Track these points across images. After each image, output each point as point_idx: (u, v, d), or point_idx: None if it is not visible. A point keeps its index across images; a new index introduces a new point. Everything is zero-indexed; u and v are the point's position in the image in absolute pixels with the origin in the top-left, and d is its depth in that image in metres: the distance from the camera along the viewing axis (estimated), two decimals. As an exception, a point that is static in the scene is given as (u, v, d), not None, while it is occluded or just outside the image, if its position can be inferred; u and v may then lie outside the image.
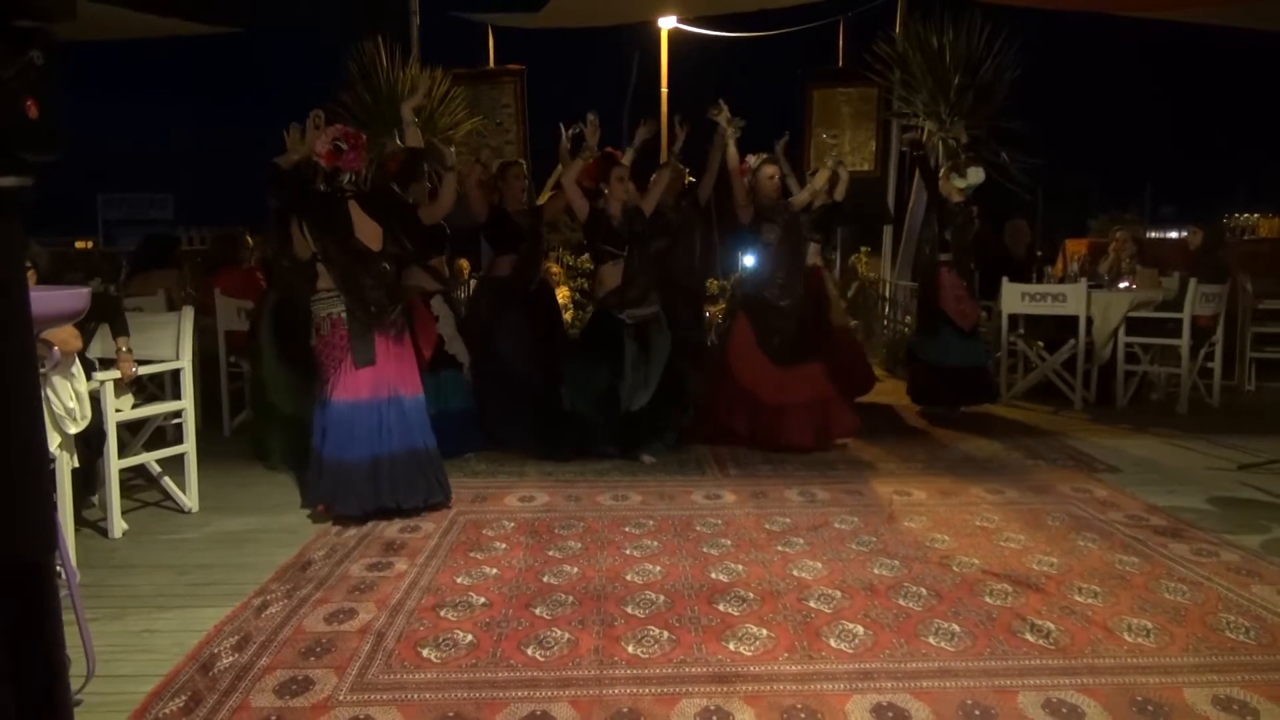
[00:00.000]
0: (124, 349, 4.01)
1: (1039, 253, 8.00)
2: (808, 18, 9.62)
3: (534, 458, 5.26)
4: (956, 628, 2.96)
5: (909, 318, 8.48)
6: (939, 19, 8.47)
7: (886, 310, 9.36)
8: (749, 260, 5.82)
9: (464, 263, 8.61)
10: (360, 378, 4.18)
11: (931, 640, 2.88)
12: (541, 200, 6.13)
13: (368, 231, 4.25)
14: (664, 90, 9.73)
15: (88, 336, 4.01)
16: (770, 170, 5.51)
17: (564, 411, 5.28)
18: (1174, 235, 15.08)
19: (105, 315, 4.07)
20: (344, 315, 4.21)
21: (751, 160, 5.56)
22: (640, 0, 9.00)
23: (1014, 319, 7.16)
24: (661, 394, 5.29)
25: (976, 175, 6.30)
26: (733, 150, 5.45)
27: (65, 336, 3.38)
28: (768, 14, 9.46)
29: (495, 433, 5.51)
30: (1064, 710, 2.45)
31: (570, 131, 5.51)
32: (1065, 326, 6.86)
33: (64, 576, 2.58)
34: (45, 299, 2.34)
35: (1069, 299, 6.81)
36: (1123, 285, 7.15)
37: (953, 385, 6.42)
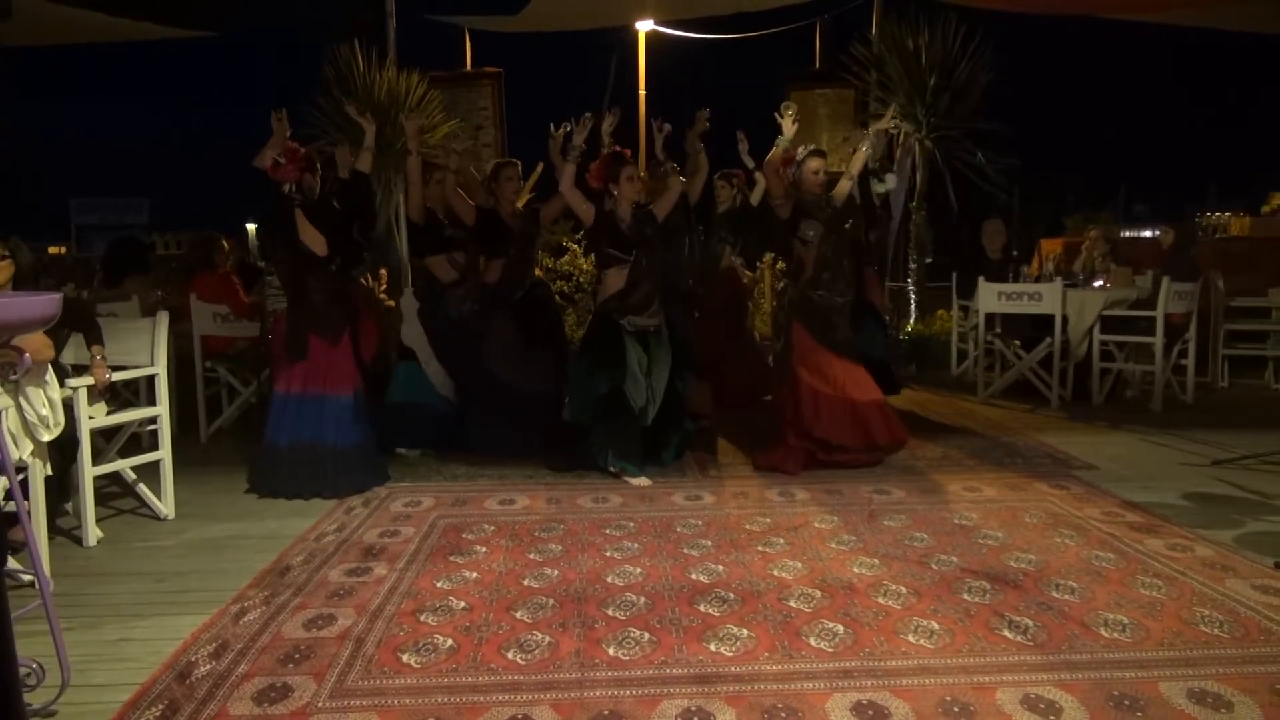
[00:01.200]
0: (98, 356, 3.96)
1: (1015, 252, 8.07)
2: (785, 20, 9.66)
3: (514, 462, 5.18)
4: (936, 625, 2.98)
5: (888, 317, 8.53)
6: (914, 21, 8.53)
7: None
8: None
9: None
10: (293, 372, 4.70)
11: (911, 638, 2.89)
12: (520, 203, 6.06)
13: (312, 236, 4.66)
14: (641, 92, 9.75)
15: (60, 342, 3.97)
16: (816, 164, 5.12)
17: (565, 424, 5.01)
18: (1147, 234, 15.24)
19: (78, 322, 4.02)
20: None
21: (800, 151, 5.18)
22: (618, 4, 9.02)
23: (990, 318, 7.22)
24: (661, 411, 4.97)
25: (892, 181, 6.79)
26: (778, 151, 5.19)
27: (38, 345, 3.34)
28: (745, 16, 9.50)
29: (475, 438, 5.41)
30: (1042, 705, 2.47)
31: (561, 131, 5.22)
32: (1041, 325, 6.92)
33: (38, 585, 2.55)
34: (16, 305, 2.31)
35: (1045, 298, 6.87)
36: (1097, 284, 7.22)
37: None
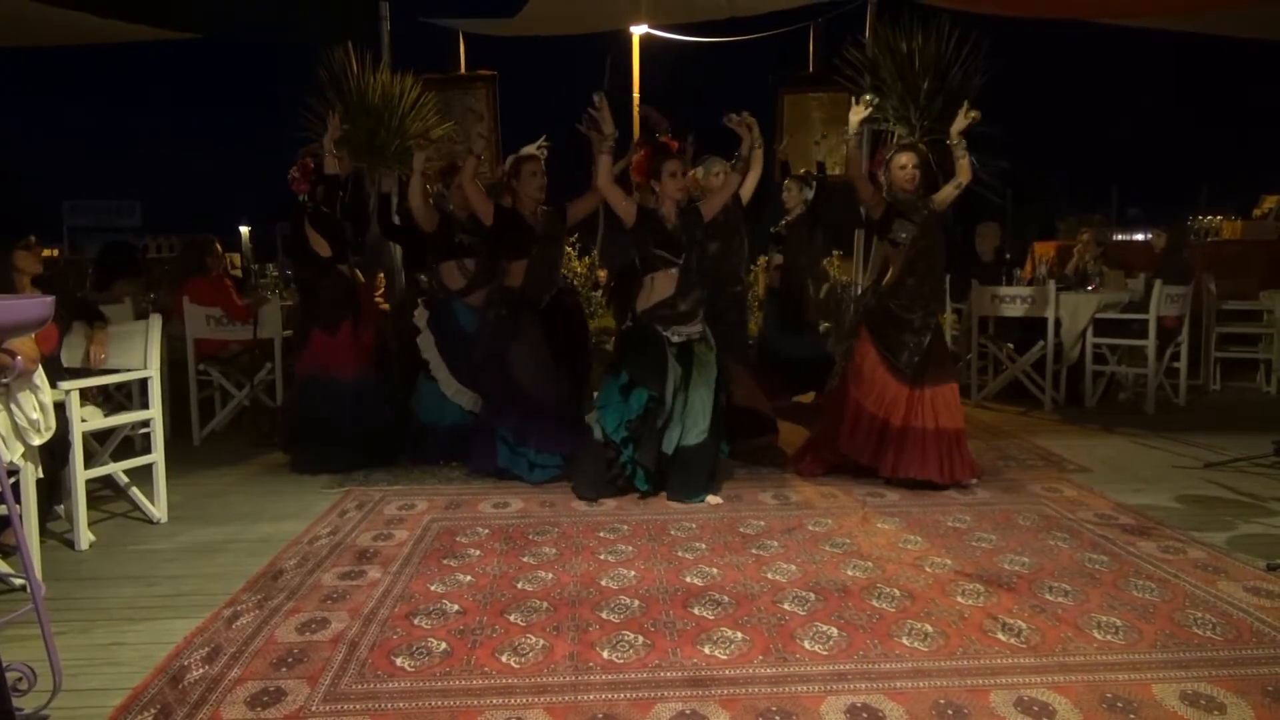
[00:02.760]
0: (100, 333, 4.19)
1: (1008, 255, 8.09)
2: (779, 23, 9.67)
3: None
4: (929, 628, 2.99)
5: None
6: (908, 25, 8.55)
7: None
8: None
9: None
10: (305, 357, 5.24)
11: (905, 640, 2.90)
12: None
13: (316, 240, 5.18)
14: (636, 95, 9.76)
15: (60, 336, 4.02)
16: (905, 159, 4.81)
17: (595, 444, 4.62)
18: (1140, 237, 15.29)
19: (81, 312, 4.17)
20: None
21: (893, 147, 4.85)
22: (613, 9, 9.02)
23: (984, 321, 7.25)
24: (704, 448, 4.57)
25: (811, 189, 6.79)
26: (853, 146, 4.84)
27: (26, 350, 3.34)
28: (739, 20, 9.52)
29: (503, 457, 4.94)
30: (1035, 708, 2.47)
31: (585, 127, 4.77)
32: (1034, 328, 6.95)
33: (29, 589, 2.54)
34: (10, 308, 2.31)
35: (1037, 301, 6.90)
36: (1090, 287, 7.24)
37: (812, 376, 6.58)
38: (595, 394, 5.01)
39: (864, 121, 5.08)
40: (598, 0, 8.89)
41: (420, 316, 5.32)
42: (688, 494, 4.49)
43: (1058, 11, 8.92)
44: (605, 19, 9.34)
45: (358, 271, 5.75)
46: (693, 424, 4.53)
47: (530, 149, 5.07)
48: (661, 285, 4.56)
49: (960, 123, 4.96)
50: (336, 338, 5.19)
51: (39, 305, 2.36)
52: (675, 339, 4.55)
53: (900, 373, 4.70)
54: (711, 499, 4.50)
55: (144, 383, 4.39)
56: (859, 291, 9.29)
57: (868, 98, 4.98)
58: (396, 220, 5.94)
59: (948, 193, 4.81)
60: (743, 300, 5.77)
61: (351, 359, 5.21)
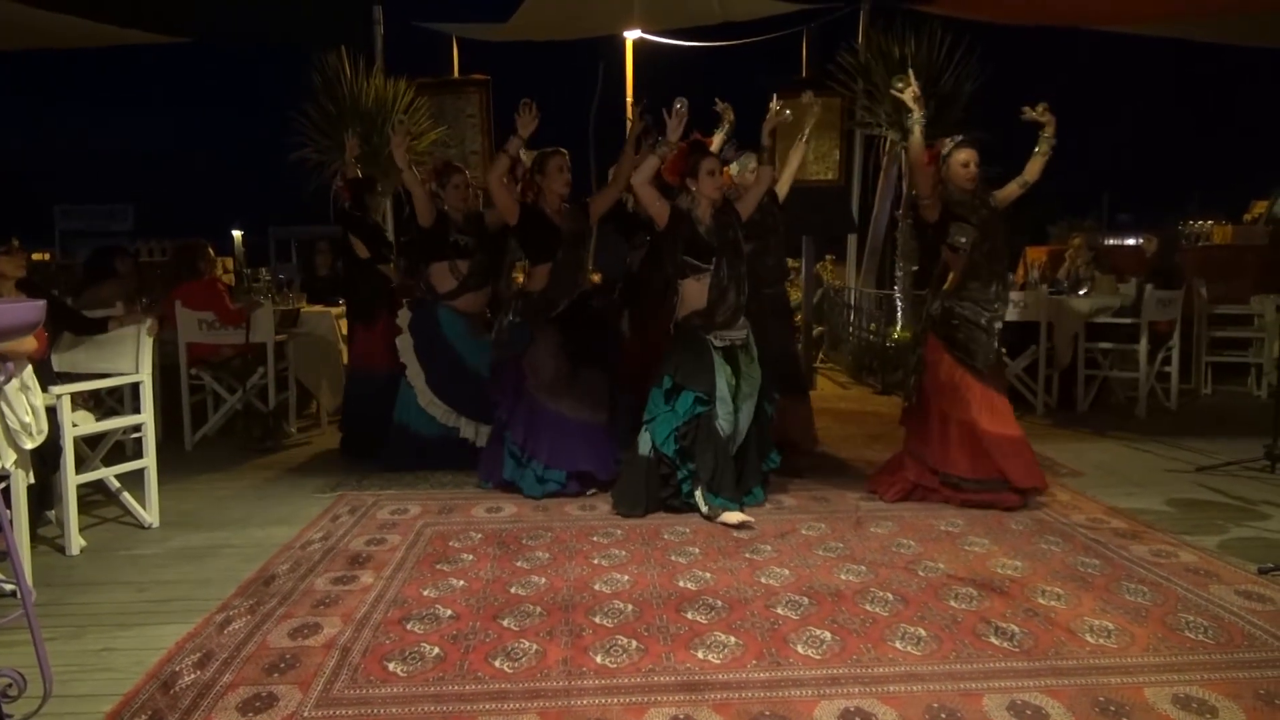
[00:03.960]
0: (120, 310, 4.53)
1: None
2: (771, 28, 9.71)
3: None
4: (923, 632, 2.99)
5: (874, 325, 8.57)
6: (900, 30, 8.59)
7: (852, 317, 9.44)
8: None
9: None
10: (351, 352, 5.94)
11: (898, 645, 2.90)
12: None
13: (356, 243, 5.70)
14: (629, 99, 9.78)
15: (50, 342, 4.02)
16: (965, 156, 4.42)
17: (641, 459, 4.33)
18: (1131, 242, 15.35)
19: (66, 321, 4.15)
20: None
21: (946, 143, 4.51)
22: (606, 15, 9.04)
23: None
24: (750, 439, 4.42)
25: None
26: (918, 136, 4.40)
27: (12, 345, 3.33)
28: (732, 25, 9.54)
29: (529, 484, 4.70)
30: (1028, 712, 2.47)
31: (641, 112, 4.60)
32: (1026, 332, 6.97)
33: (19, 595, 2.53)
34: (2, 312, 2.30)
35: (1030, 305, 6.92)
36: (1081, 292, 7.27)
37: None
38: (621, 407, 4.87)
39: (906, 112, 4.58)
40: (591, 5, 8.91)
41: (403, 317, 5.22)
42: (737, 497, 4.34)
43: (1049, 19, 8.97)
44: (599, 24, 9.36)
45: (394, 270, 5.95)
46: (739, 433, 4.36)
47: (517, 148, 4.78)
48: (692, 294, 4.31)
49: (1044, 120, 4.52)
50: (373, 332, 5.65)
51: (29, 310, 2.36)
52: (718, 343, 4.30)
53: (980, 374, 4.42)
54: (735, 516, 4.17)
55: (135, 387, 4.38)
56: (854, 297, 9.33)
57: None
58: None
59: (1011, 190, 4.51)
60: (783, 304, 5.52)
61: (385, 353, 5.42)
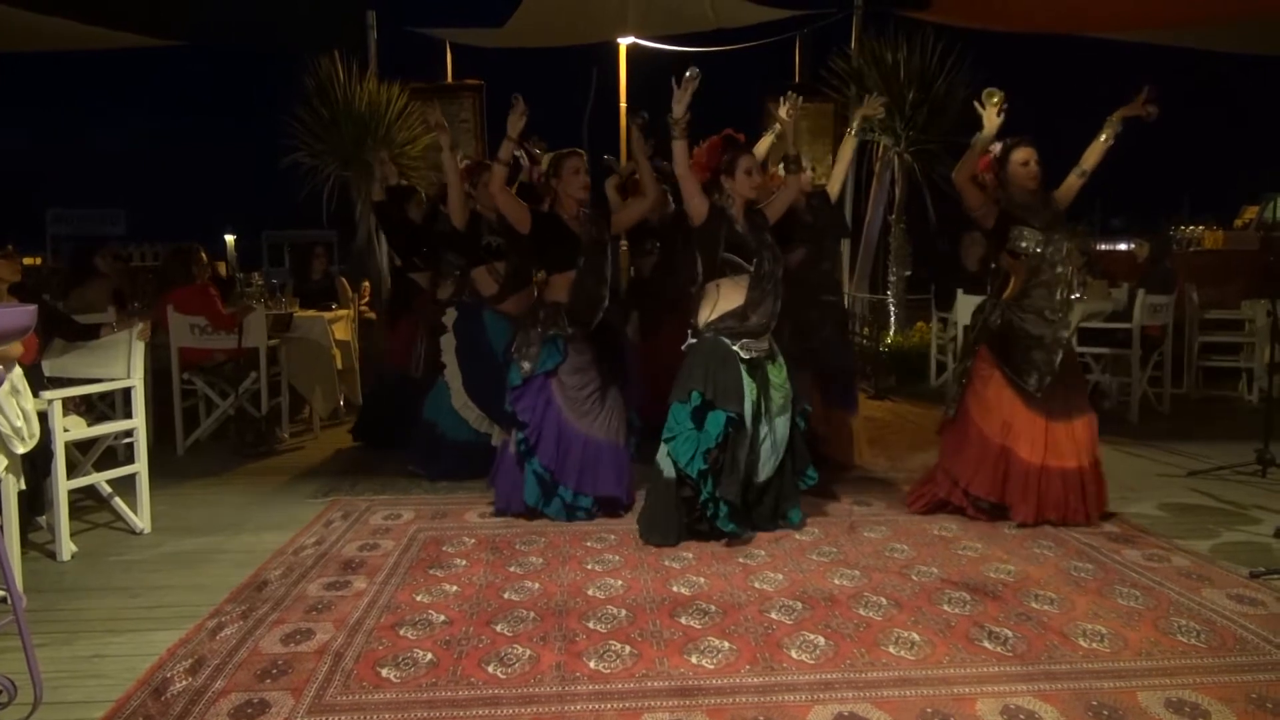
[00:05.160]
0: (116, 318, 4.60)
1: (993, 265, 8.13)
2: (765, 34, 9.73)
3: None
4: (916, 636, 2.99)
5: (867, 329, 8.59)
6: (893, 36, 8.62)
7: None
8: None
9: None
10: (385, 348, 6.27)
11: (892, 649, 2.90)
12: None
13: (390, 251, 6.53)
14: (623, 105, 9.79)
15: (41, 348, 4.01)
16: (1026, 155, 4.18)
17: (664, 483, 4.00)
18: (1123, 247, 15.41)
19: (57, 327, 4.13)
20: None
21: (995, 148, 4.29)
22: (600, 21, 9.06)
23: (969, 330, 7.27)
24: (786, 458, 4.15)
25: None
26: (988, 132, 4.14)
27: (11, 351, 3.32)
28: (725, 31, 9.57)
29: (555, 510, 4.38)
30: (1021, 716, 2.48)
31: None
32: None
33: (10, 601, 2.52)
34: (-9, 316, 2.29)
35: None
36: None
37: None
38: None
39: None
40: (585, 11, 8.92)
41: (449, 316, 5.05)
42: (773, 519, 4.16)
43: (1040, 25, 9.01)
44: (592, 30, 9.37)
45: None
46: (773, 451, 4.07)
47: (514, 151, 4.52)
48: (729, 294, 3.99)
49: (1132, 110, 4.32)
50: (395, 333, 6.05)
51: (20, 314, 2.35)
52: (745, 355, 3.95)
53: (1030, 397, 4.15)
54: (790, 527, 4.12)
55: (127, 392, 4.37)
56: (849, 301, 9.33)
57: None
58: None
59: (1072, 184, 4.24)
60: (841, 312, 5.31)
61: (401, 352, 5.87)
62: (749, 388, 3.92)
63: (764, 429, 4.02)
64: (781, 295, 4.05)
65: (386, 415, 5.90)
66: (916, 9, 8.57)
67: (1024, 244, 4.16)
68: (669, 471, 3.96)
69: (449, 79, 9.65)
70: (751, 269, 3.97)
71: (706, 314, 4.01)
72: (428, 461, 5.18)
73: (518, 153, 4.41)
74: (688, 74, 3.89)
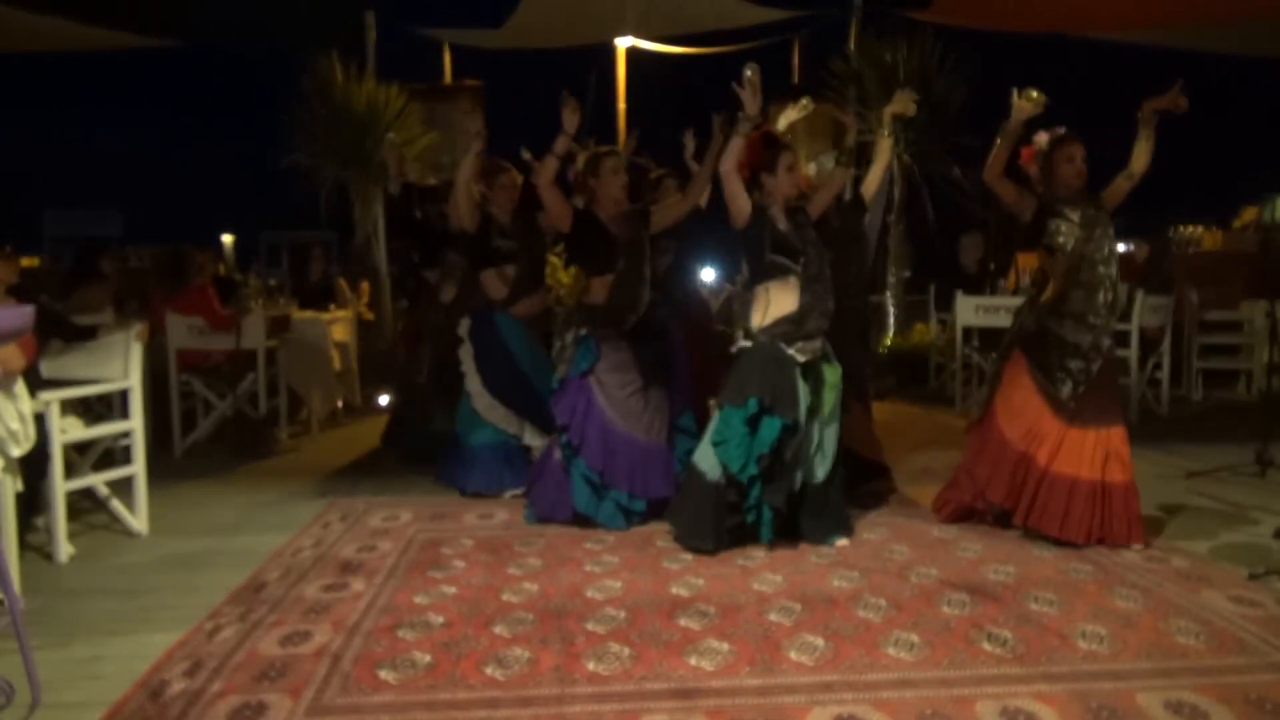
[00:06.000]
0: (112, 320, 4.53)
1: (992, 266, 8.15)
2: (764, 35, 9.74)
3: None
4: (915, 638, 2.99)
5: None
6: (892, 37, 8.63)
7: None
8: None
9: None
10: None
11: (891, 651, 2.90)
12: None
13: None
14: (621, 106, 9.80)
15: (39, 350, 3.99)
16: (1074, 151, 4.03)
17: (706, 485, 3.90)
18: (1122, 248, 15.41)
19: (56, 328, 4.11)
20: None
21: (1042, 138, 4.13)
22: (599, 22, 9.07)
23: (968, 331, 7.27)
24: (835, 469, 4.04)
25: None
26: (1015, 123, 3.98)
27: (5, 356, 3.30)
28: (724, 32, 9.57)
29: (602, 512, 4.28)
30: (1021, 717, 2.47)
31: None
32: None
33: (7, 603, 2.51)
34: (-12, 318, 2.29)
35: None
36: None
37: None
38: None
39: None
40: (584, 12, 8.93)
41: (463, 327, 4.91)
42: (824, 534, 3.98)
43: (1039, 26, 9.02)
44: (591, 31, 9.38)
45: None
46: (823, 458, 3.98)
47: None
48: (779, 297, 3.87)
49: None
50: (409, 332, 6.14)
51: (19, 315, 2.34)
52: (800, 357, 3.85)
53: (1060, 405, 3.97)
54: (841, 541, 3.98)
55: (124, 393, 4.35)
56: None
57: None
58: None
59: (1120, 186, 4.05)
60: (864, 315, 5.22)
61: (407, 350, 6.03)
62: (803, 393, 3.84)
63: (815, 433, 3.94)
64: (830, 296, 3.95)
65: (408, 419, 5.76)
66: (916, 9, 8.57)
67: (1060, 239, 3.97)
68: (714, 475, 3.87)
69: (448, 79, 9.65)
70: (799, 269, 3.86)
71: (759, 318, 3.89)
72: (459, 474, 4.92)
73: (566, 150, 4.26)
74: (747, 72, 3.74)
